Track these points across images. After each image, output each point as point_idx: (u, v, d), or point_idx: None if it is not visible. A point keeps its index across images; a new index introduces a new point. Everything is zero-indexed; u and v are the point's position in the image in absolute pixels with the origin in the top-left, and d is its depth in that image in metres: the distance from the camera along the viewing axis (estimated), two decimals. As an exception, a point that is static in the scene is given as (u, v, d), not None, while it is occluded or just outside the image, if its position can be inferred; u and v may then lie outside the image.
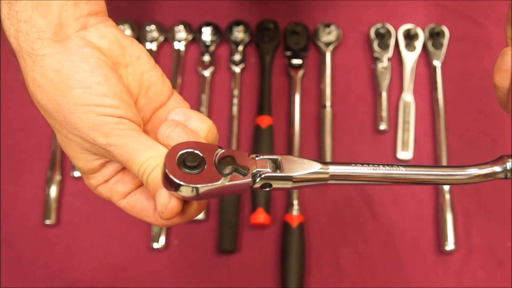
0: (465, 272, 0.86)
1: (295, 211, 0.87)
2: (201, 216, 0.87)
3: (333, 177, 0.47)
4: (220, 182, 0.44)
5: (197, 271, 0.86)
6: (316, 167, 0.47)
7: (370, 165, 0.48)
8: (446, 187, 0.88)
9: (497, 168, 0.51)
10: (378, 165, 0.48)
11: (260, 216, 0.86)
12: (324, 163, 0.47)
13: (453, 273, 0.86)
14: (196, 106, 0.93)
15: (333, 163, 0.48)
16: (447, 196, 0.88)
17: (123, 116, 0.47)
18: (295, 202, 0.88)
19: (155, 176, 0.45)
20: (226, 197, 0.87)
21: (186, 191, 0.44)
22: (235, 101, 0.94)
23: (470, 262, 0.86)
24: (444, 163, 0.89)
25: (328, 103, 0.93)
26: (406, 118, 0.93)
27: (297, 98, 0.94)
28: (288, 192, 0.89)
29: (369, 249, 0.87)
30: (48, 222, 0.87)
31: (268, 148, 0.90)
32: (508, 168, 0.51)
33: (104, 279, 0.86)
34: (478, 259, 0.86)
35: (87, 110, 0.46)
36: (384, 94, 0.94)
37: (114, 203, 0.51)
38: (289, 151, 0.91)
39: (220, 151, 0.46)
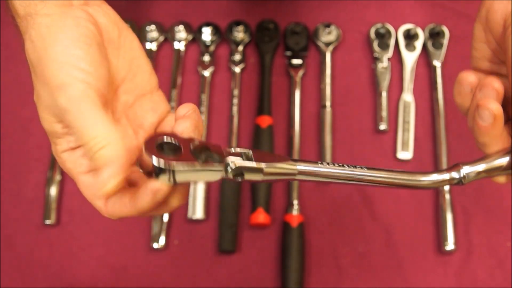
0: (465, 272, 0.86)
1: (295, 211, 0.87)
2: (201, 216, 0.87)
3: (301, 173, 0.50)
4: (195, 165, 0.46)
5: (197, 271, 0.86)
6: (285, 162, 0.50)
7: (336, 164, 0.51)
8: (446, 187, 0.88)
9: (454, 174, 0.54)
10: (343, 165, 0.52)
11: (260, 216, 0.86)
12: (294, 160, 0.51)
13: (453, 273, 0.86)
14: (196, 106, 0.93)
15: (302, 160, 0.51)
16: (447, 196, 0.88)
17: (92, 84, 0.48)
18: (295, 202, 0.88)
19: (103, 154, 0.46)
20: (226, 197, 0.87)
21: (163, 172, 0.46)
22: (235, 101, 0.94)
23: (470, 262, 0.86)
24: (444, 163, 0.89)
25: (328, 103, 0.93)
26: (406, 118, 0.93)
27: (297, 98, 0.94)
28: (288, 192, 0.89)
29: (369, 249, 0.87)
30: (48, 222, 0.87)
31: (268, 148, 0.90)
32: (462, 175, 0.54)
33: (104, 279, 0.86)
34: (478, 259, 0.86)
35: (61, 67, 0.48)
36: (384, 94, 0.94)
37: (74, 177, 0.52)
38: (289, 151, 0.91)
39: (196, 142, 0.48)
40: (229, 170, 0.48)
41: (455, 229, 0.86)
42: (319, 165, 0.51)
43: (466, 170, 0.54)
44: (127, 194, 0.49)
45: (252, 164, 0.49)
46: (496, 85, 0.53)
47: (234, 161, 0.48)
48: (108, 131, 0.47)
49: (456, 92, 0.57)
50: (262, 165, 0.49)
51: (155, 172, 0.47)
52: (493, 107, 0.52)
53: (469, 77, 0.55)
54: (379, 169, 0.53)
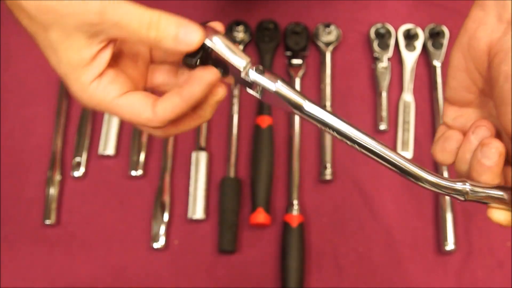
0: (465, 272, 0.86)
1: (295, 211, 0.87)
2: (201, 216, 0.87)
3: (308, 112, 0.53)
4: (229, 38, 0.50)
5: (197, 271, 0.86)
6: (298, 94, 0.52)
7: (343, 120, 0.53)
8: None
9: (463, 187, 0.52)
10: (350, 124, 0.54)
11: (260, 216, 0.86)
12: (308, 99, 0.53)
13: (453, 273, 0.86)
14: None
15: (316, 104, 0.53)
16: (447, 196, 0.87)
17: None
18: (295, 202, 0.88)
19: (166, 23, 0.47)
20: (226, 197, 0.87)
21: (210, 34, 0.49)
22: (235, 101, 0.94)
23: (470, 262, 0.86)
24: (444, 163, 0.89)
25: (328, 103, 0.93)
26: (406, 118, 0.93)
27: (297, 98, 0.94)
28: (288, 192, 0.89)
29: (369, 249, 0.87)
30: (48, 222, 0.87)
31: (268, 148, 0.90)
32: (467, 190, 0.52)
33: (104, 279, 0.86)
34: (478, 259, 0.86)
35: None
36: (384, 94, 0.94)
37: (108, 106, 0.51)
38: (289, 151, 0.91)
39: None
40: (251, 64, 0.51)
41: (455, 229, 0.86)
42: (326, 112, 0.53)
43: (472, 187, 0.52)
44: (174, 93, 0.50)
45: (271, 76, 0.51)
46: (486, 123, 0.52)
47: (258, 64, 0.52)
48: (151, 10, 0.48)
49: (439, 149, 0.55)
50: (278, 80, 0.51)
51: (195, 58, 0.49)
52: (498, 145, 0.51)
53: (457, 134, 0.54)
54: (393, 151, 0.53)
